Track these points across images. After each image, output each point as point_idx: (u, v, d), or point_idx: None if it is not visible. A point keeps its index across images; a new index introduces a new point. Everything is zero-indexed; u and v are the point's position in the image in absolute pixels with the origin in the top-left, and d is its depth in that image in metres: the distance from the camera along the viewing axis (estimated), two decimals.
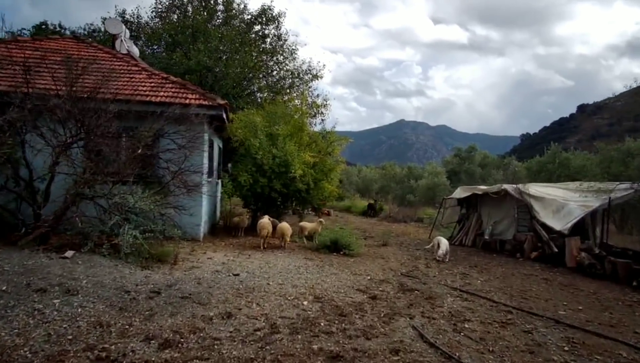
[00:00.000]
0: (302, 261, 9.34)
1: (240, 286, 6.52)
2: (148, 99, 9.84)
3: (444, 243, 10.77)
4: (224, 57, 18.76)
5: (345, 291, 6.94)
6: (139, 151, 8.82)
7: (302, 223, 13.32)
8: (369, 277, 8.30)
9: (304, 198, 14.38)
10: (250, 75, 21.18)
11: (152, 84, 10.68)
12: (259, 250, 10.22)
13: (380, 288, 7.42)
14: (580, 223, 10.97)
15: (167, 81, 10.98)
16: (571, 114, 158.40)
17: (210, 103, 10.11)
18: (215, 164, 15.20)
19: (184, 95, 10.32)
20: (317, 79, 24.07)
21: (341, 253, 10.76)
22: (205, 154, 10.98)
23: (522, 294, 7.78)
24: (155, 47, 20.90)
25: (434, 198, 26.76)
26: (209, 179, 12.65)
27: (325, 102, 25.21)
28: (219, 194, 16.31)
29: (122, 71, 11.16)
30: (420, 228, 20.93)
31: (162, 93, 10.25)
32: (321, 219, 13.39)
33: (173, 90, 10.57)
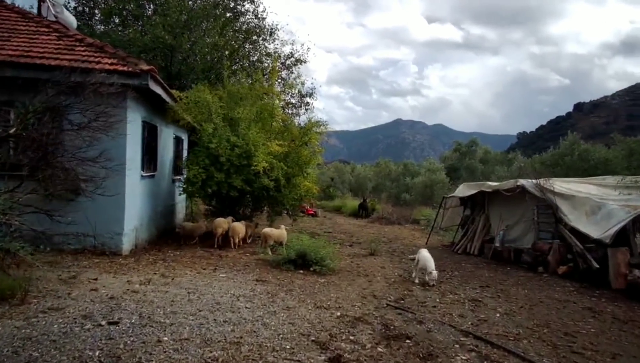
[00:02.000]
0: (249, 284, 6.69)
1: (100, 351, 3.80)
2: (40, 62, 7.16)
3: (430, 261, 8.07)
4: (187, 35, 16.05)
5: (293, 348, 4.28)
6: (12, 131, 6.17)
7: (266, 230, 10.68)
8: (338, 313, 5.64)
9: (273, 197, 11.71)
10: (222, 57, 18.52)
11: (58, 46, 8.00)
12: (196, 269, 7.55)
13: (352, 337, 4.77)
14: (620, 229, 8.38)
15: (81, 44, 8.29)
16: (568, 113, 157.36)
17: (130, 69, 7.42)
18: (168, 157, 12.52)
19: (97, 59, 7.63)
20: (301, 64, 21.43)
21: (310, 270, 8.12)
22: (132, 140, 8.30)
23: (568, 342, 5.15)
24: (113, 25, 18.16)
25: (432, 197, 24.18)
26: (148, 174, 9.97)
27: (311, 91, 22.67)
28: (178, 196, 13.58)
29: (24, 32, 8.48)
30: (416, 231, 18.32)
31: (66, 56, 7.58)
32: (282, 226, 10.75)
33: (84, 53, 7.89)
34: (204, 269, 7.53)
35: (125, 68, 7.43)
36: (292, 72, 21.36)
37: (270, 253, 9.43)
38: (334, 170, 45.17)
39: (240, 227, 10.75)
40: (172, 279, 6.51)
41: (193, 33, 17.26)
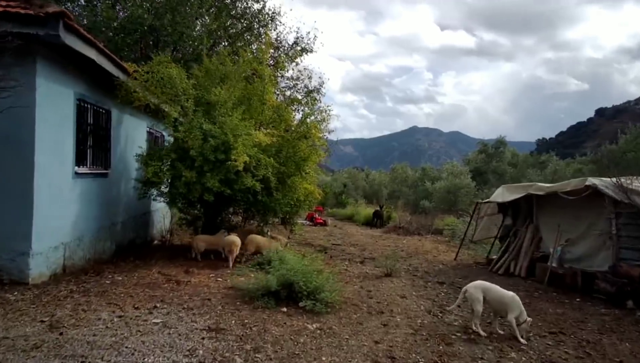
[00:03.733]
0: (192, 339, 4.17)
1: None
2: None
3: (509, 299, 5.21)
4: (172, 16, 13.79)
5: None
6: None
7: (252, 237, 8.28)
8: None
9: (262, 203, 9.22)
10: (218, 45, 16.24)
11: None
12: (123, 308, 5.04)
13: None
14: None
15: None
16: (589, 118, 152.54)
17: (30, 13, 5.05)
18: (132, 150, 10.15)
19: None
20: (307, 53, 18.98)
21: (299, 306, 5.57)
22: (52, 119, 5.95)
23: None
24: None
25: (455, 204, 21.37)
26: (90, 172, 7.60)
27: (319, 87, 20.25)
28: (155, 202, 11.15)
29: None
30: (439, 244, 15.56)
31: None
32: (279, 237, 8.28)
33: None
34: (136, 308, 5.03)
35: (24, 11, 5.05)
36: (297, 63, 18.96)
37: (256, 272, 6.90)
38: (347, 176, 42.61)
39: (234, 241, 8.45)
40: (62, 333, 4.02)
41: (180, 14, 14.94)
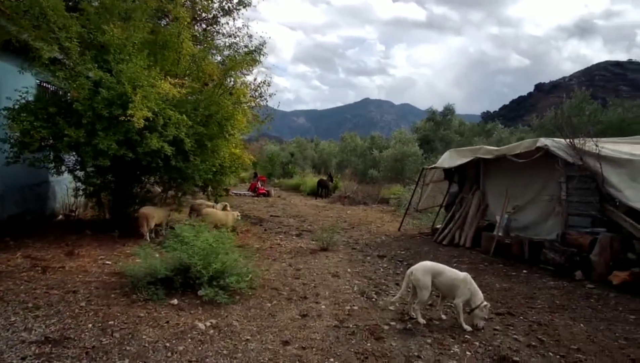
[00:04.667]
0: (13, 355, 2.86)
1: None
2: None
3: (464, 283, 4.26)
4: None
5: None
6: None
7: (208, 211, 7.20)
8: None
9: (176, 169, 7.77)
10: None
11: None
12: None
13: None
14: None
15: None
16: (529, 93, 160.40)
17: None
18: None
19: None
20: (245, 7, 17.03)
21: (199, 295, 4.35)
22: None
23: None
24: None
25: (403, 173, 20.80)
26: None
27: (260, 47, 18.45)
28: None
29: None
30: (385, 213, 14.87)
31: None
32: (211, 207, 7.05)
33: None
34: None
35: None
36: (234, 19, 16.99)
37: (150, 245, 5.55)
38: (296, 146, 41.23)
39: (148, 213, 7.21)
40: None
41: None
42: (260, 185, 21.65)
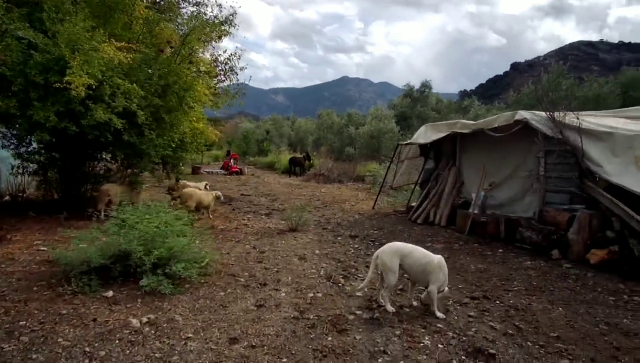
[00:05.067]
0: None
1: None
2: None
3: (434, 266, 3.83)
4: None
5: None
6: None
7: (189, 190, 7.09)
8: None
9: (129, 145, 7.10)
10: None
11: None
12: None
13: None
14: None
15: None
16: (505, 72, 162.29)
17: None
18: None
19: None
20: None
21: (141, 286, 3.82)
22: None
23: None
24: None
25: (379, 150, 20.42)
26: None
27: (231, 18, 17.39)
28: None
29: None
30: (360, 191, 14.51)
31: None
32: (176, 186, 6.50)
33: None
34: None
35: None
36: None
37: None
38: (272, 123, 40.27)
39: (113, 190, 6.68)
40: None
41: None
42: (233, 163, 20.96)
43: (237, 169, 20.38)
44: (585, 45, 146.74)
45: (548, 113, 6.19)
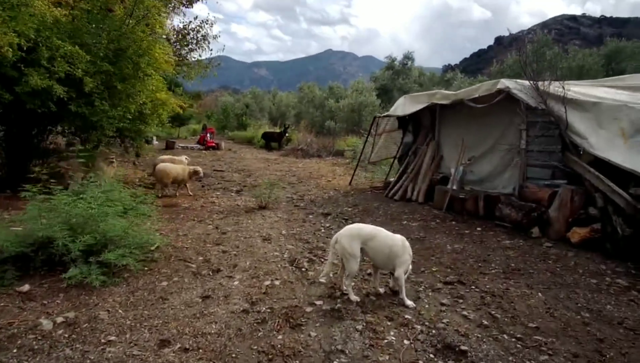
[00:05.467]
0: None
1: None
2: None
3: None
4: None
5: None
6: None
7: (163, 166, 7.06)
8: None
9: (80, 117, 6.41)
10: None
11: None
12: None
13: None
14: None
15: None
16: (489, 46, 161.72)
17: None
18: None
19: None
20: None
21: (64, 278, 3.29)
22: None
23: None
24: None
25: (360, 124, 19.89)
26: None
27: None
28: None
29: None
30: (338, 166, 14.07)
31: None
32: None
33: None
34: None
35: None
36: None
37: None
38: (251, 96, 39.08)
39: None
40: None
41: None
42: (209, 138, 20.18)
43: (213, 144, 19.65)
44: (568, 19, 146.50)
45: (532, 82, 5.74)
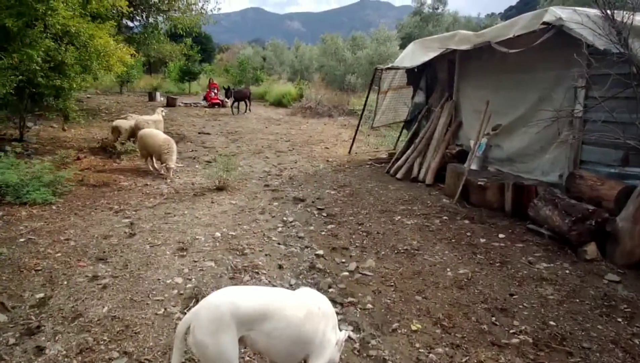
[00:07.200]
0: None
1: None
2: None
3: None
4: None
5: None
6: None
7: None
8: None
9: None
10: None
11: None
12: None
13: None
14: None
15: None
16: None
17: None
18: None
19: None
20: None
21: None
22: None
23: None
24: None
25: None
26: None
27: None
28: None
29: None
30: (347, 128, 12.09)
31: None
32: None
33: None
34: None
35: None
36: None
37: None
38: (271, 49, 36.59)
39: None
40: None
41: None
42: (213, 94, 18.47)
43: (217, 101, 17.95)
44: None
45: (603, 10, 3.57)
